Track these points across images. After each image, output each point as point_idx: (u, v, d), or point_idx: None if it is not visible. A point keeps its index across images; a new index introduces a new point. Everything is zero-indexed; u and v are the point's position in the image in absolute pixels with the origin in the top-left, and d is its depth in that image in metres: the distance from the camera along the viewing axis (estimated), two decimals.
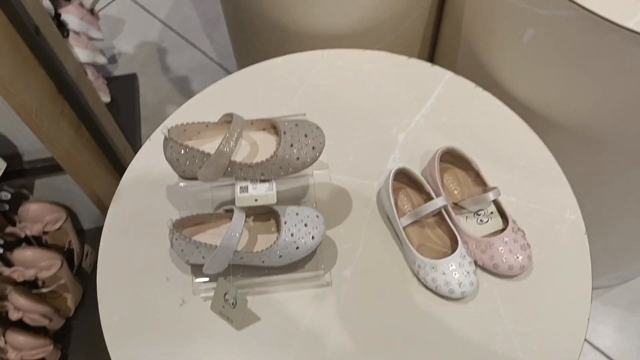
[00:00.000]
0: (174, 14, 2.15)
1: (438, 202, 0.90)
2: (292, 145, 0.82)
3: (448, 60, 1.32)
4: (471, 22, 1.18)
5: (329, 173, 1.00)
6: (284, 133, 0.83)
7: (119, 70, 1.95)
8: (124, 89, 1.83)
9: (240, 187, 0.84)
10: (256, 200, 0.83)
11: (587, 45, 0.94)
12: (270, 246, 0.84)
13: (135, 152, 1.02)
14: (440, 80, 1.10)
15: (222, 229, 0.89)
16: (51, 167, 1.24)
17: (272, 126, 0.87)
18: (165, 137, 0.81)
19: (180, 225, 0.86)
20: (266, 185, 0.84)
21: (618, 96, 0.98)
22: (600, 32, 0.90)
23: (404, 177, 0.96)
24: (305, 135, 0.84)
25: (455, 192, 0.97)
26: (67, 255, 1.41)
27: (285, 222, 0.85)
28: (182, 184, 0.86)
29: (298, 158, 0.83)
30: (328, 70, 1.12)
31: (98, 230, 1.56)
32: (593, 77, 0.99)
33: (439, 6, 1.31)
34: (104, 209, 1.30)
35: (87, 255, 1.47)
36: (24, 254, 1.26)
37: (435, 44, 1.41)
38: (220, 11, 2.15)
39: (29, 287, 1.33)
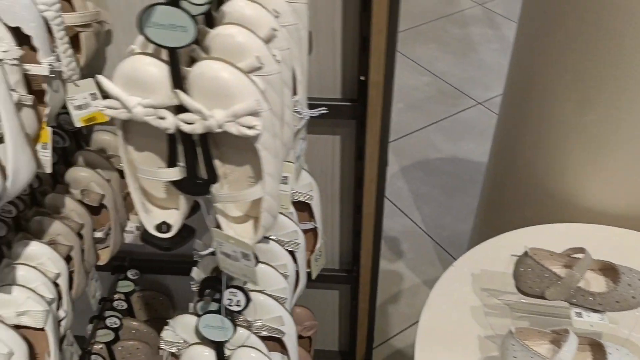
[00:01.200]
0: (388, 185, 2.46)
1: None
2: (629, 285, 0.96)
3: None
4: None
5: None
6: (623, 273, 0.97)
7: None
8: None
9: (576, 312, 0.96)
10: (591, 325, 0.95)
11: None
12: None
13: None
14: None
15: (541, 348, 1.00)
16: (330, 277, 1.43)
17: (600, 268, 1.02)
18: (525, 254, 0.97)
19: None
20: (598, 315, 0.96)
21: None
22: None
23: None
24: (639, 279, 0.97)
25: None
26: None
27: (610, 353, 0.95)
28: (523, 300, 1.00)
29: (634, 297, 0.95)
30: (606, 243, 1.27)
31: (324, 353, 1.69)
32: None
33: None
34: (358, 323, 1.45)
35: None
36: None
37: None
38: (430, 188, 2.44)
39: None
